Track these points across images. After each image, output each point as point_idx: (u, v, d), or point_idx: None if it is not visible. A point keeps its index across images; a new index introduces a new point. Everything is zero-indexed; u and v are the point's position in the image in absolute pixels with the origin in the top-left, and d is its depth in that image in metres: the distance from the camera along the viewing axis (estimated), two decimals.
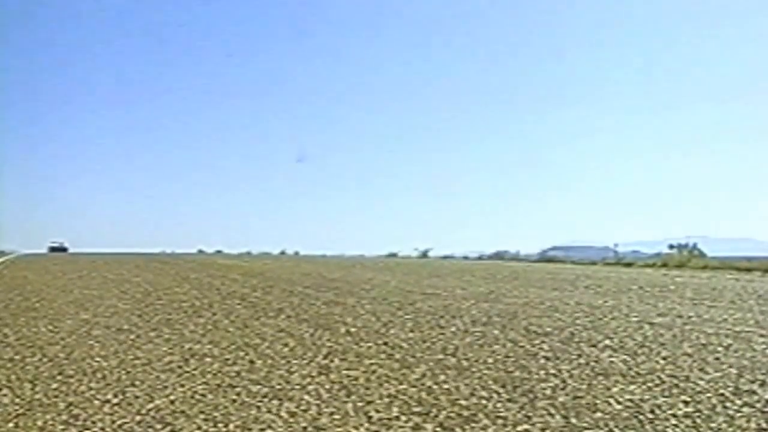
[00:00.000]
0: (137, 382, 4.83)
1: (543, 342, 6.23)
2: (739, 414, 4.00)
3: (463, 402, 4.24)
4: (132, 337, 6.71)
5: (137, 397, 4.44)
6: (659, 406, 4.13)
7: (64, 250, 76.22)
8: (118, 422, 3.93)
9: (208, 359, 5.61)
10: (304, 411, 4.09)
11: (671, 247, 32.10)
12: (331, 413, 4.04)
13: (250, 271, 17.26)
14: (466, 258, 38.08)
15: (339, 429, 3.75)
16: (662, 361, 5.41)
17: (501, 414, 4.00)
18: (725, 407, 4.13)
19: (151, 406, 4.24)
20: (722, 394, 4.41)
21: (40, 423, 3.95)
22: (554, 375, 4.92)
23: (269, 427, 3.80)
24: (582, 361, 5.42)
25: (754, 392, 4.47)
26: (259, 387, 4.65)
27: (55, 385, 4.80)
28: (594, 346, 6.05)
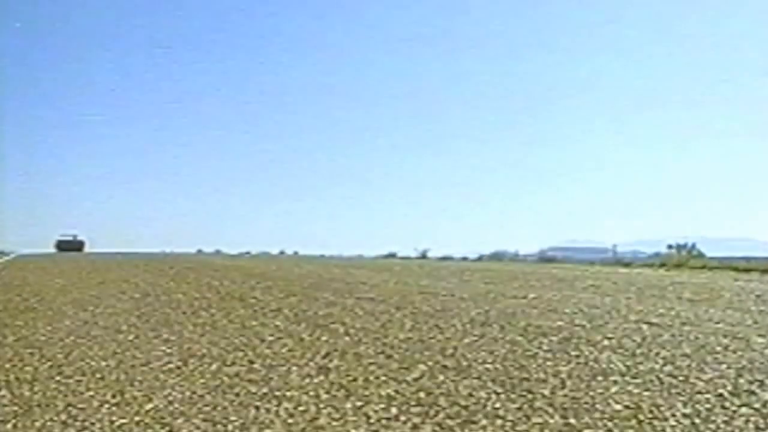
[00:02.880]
0: (136, 383, 4.84)
1: (542, 342, 6.24)
2: (737, 414, 4.00)
3: (461, 402, 4.25)
4: (131, 337, 6.71)
5: (136, 398, 4.45)
6: (658, 406, 4.14)
7: (78, 247, 59.85)
8: (117, 422, 3.94)
9: (206, 359, 5.61)
10: (303, 411, 4.10)
11: (670, 247, 32.11)
12: (330, 413, 4.05)
13: (249, 271, 17.27)
14: (464, 258, 38.03)
15: (338, 429, 3.76)
16: (661, 362, 5.41)
17: (500, 414, 4.00)
18: (724, 407, 4.13)
19: (149, 406, 4.25)
20: (721, 395, 4.42)
21: (38, 423, 3.96)
22: (553, 375, 4.93)
23: (268, 427, 3.81)
24: (581, 361, 5.43)
25: (752, 392, 4.47)
26: (257, 387, 4.66)
27: (53, 386, 4.81)
28: (593, 346, 6.06)
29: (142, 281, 13.75)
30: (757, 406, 4.17)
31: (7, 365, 5.52)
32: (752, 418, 3.93)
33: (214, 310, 8.71)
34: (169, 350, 6.04)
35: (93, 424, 3.93)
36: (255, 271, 17.34)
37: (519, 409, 4.11)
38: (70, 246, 60.00)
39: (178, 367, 5.34)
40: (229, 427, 3.82)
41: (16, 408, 4.28)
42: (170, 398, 4.43)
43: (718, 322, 7.54)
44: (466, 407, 4.14)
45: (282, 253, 45.13)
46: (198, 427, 3.82)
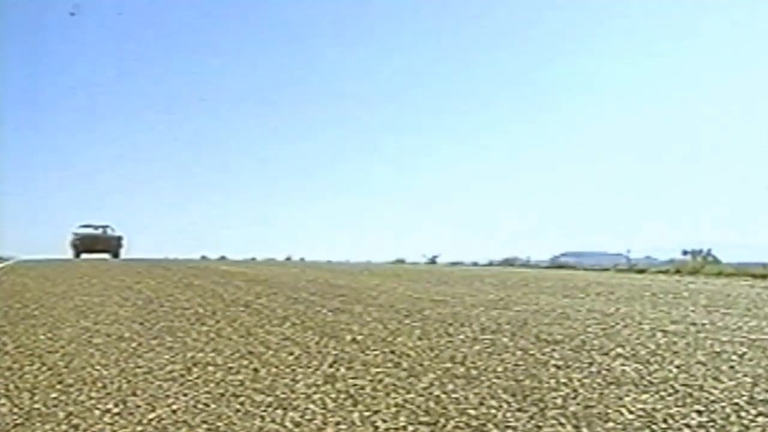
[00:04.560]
0: (138, 392, 4.84)
1: (554, 350, 6.22)
2: (753, 423, 4.00)
3: (471, 411, 4.24)
4: (133, 345, 6.71)
5: (138, 407, 4.45)
6: (672, 416, 4.13)
7: (111, 248, 41.52)
8: None
9: (211, 368, 5.61)
10: (309, 420, 4.10)
11: (685, 253, 32.04)
12: (337, 423, 4.05)
13: (255, 277, 17.23)
14: (475, 264, 37.95)
15: None
16: (675, 370, 5.40)
17: (510, 424, 4.00)
18: (740, 417, 4.12)
19: (152, 415, 4.25)
20: (736, 404, 4.40)
21: None
22: (565, 384, 4.92)
23: None
24: (593, 369, 5.42)
25: None
26: (263, 396, 4.66)
27: (54, 395, 4.81)
28: (606, 354, 6.04)
29: (145, 288, 13.74)
30: None
31: (7, 373, 5.52)
32: None
33: (218, 318, 8.70)
34: (172, 358, 6.04)
35: None
36: (260, 277, 17.33)
37: (530, 418, 4.10)
38: (98, 245, 41.19)
39: (182, 376, 5.34)
40: None
41: (15, 417, 4.29)
42: (174, 407, 4.43)
43: (734, 330, 7.52)
44: (476, 417, 4.14)
45: (288, 259, 45.01)
46: None
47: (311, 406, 4.41)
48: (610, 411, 4.23)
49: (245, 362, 5.82)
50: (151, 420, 4.16)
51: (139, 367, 5.70)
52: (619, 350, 6.22)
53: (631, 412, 4.20)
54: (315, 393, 4.73)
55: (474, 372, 5.34)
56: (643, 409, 4.26)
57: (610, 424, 3.97)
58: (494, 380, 5.05)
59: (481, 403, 4.41)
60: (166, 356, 6.14)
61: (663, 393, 4.66)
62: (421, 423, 4.03)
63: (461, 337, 6.99)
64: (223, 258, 43.56)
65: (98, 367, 5.70)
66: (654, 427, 3.93)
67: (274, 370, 5.50)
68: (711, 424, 3.99)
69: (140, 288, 13.77)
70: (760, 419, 4.08)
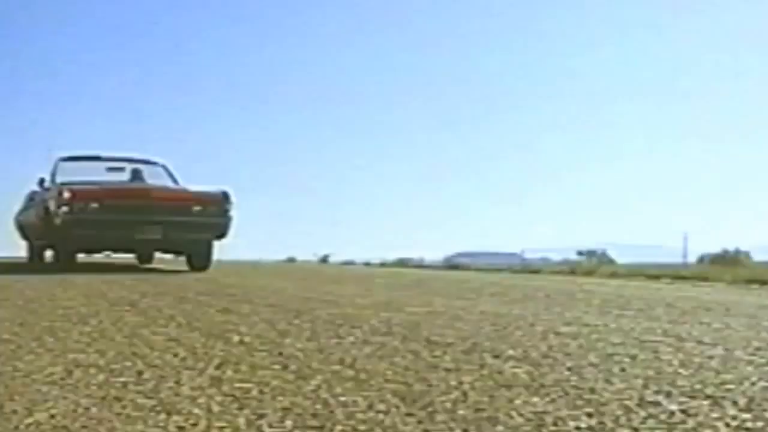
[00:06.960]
0: (16, 396, 4.74)
1: (445, 353, 6.26)
2: (643, 426, 4.07)
3: (360, 415, 4.25)
4: (12, 347, 6.57)
5: (15, 412, 4.36)
6: (562, 419, 4.19)
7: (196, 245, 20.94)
8: None
9: (93, 370, 5.53)
10: (194, 425, 4.07)
11: (579, 253, 32.64)
12: (222, 427, 4.03)
13: (141, 276, 17.07)
14: (367, 264, 38.06)
15: None
16: (567, 372, 5.48)
17: (399, 428, 4.02)
18: (629, 419, 4.20)
19: (30, 420, 4.18)
20: (627, 406, 4.48)
21: None
22: (455, 387, 4.95)
23: None
24: (484, 372, 5.47)
25: (658, 403, 4.54)
26: (146, 399, 4.61)
27: None
28: (497, 356, 6.10)
29: (26, 287, 13.50)
30: (663, 417, 4.24)
31: None
32: (658, 430, 4.00)
33: (102, 318, 8.58)
34: (53, 360, 5.93)
35: None
36: (146, 276, 17.16)
37: (419, 422, 4.12)
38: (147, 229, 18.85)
39: (63, 379, 5.25)
40: None
41: None
42: (53, 411, 4.36)
43: (626, 331, 7.65)
44: (363, 421, 4.15)
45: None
46: None
47: (196, 409, 4.38)
48: (500, 414, 4.27)
49: (129, 364, 5.75)
50: (29, 425, 4.09)
51: (18, 370, 5.59)
52: (511, 352, 6.29)
53: (520, 415, 4.25)
54: (200, 396, 4.70)
55: (363, 375, 5.35)
56: (533, 412, 4.31)
57: (500, 428, 4.01)
58: (383, 383, 5.06)
59: (370, 407, 4.43)
60: (47, 358, 6.04)
61: (554, 395, 4.72)
62: (308, 427, 4.03)
63: (351, 339, 7.00)
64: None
65: None
66: (543, 429, 3.98)
67: (158, 372, 5.44)
68: (600, 426, 4.05)
69: (21, 287, 13.52)
70: (649, 421, 4.15)
